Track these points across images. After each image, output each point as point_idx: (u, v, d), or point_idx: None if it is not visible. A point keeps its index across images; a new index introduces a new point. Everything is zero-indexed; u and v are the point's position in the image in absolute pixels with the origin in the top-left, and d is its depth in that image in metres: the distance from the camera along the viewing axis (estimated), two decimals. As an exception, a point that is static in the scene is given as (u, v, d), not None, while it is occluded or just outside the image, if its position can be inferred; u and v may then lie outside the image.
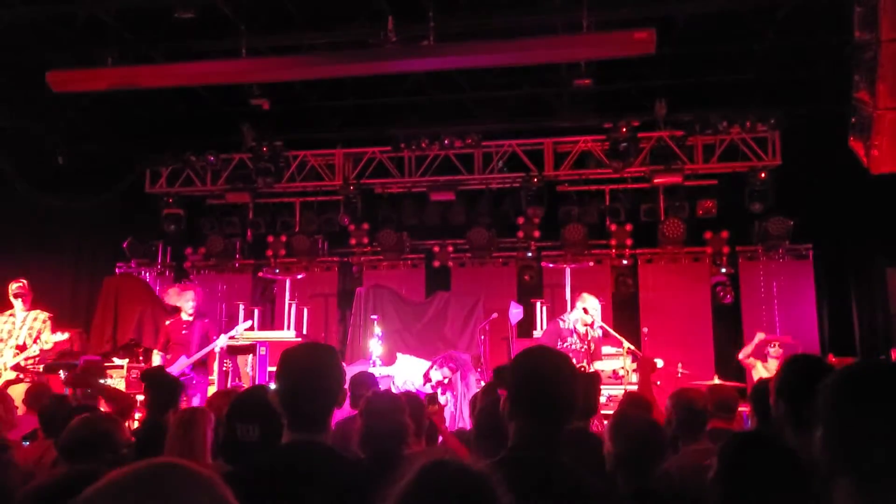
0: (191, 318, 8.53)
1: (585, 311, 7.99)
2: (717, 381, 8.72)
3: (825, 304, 11.21)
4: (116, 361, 9.60)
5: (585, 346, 7.92)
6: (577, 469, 2.17)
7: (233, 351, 9.43)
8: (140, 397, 6.26)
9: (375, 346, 9.79)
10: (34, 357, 7.82)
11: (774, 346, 9.51)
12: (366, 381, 5.56)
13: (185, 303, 8.60)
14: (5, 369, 7.52)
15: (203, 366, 8.48)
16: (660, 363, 8.43)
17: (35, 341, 7.77)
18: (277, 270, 12.36)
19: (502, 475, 1.49)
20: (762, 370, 9.01)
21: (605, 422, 7.41)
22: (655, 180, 11.26)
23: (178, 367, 8.02)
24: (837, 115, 8.56)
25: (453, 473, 1.43)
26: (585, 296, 8.14)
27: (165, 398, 4.96)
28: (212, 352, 8.68)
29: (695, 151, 11.48)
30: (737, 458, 2.38)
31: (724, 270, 11.41)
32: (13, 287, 7.90)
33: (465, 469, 1.44)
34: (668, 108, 10.61)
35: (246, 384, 9.00)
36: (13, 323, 7.84)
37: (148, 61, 9.22)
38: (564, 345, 7.83)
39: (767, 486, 2.24)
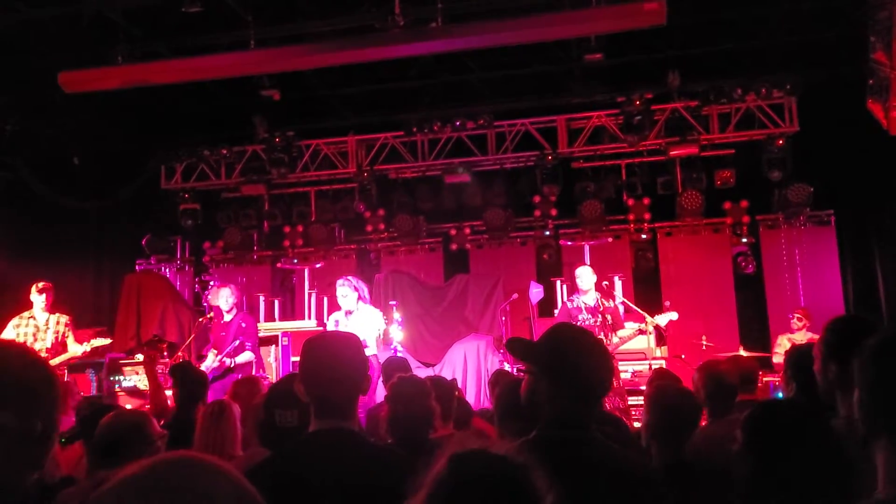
0: (231, 318, 8.11)
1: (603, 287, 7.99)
2: (742, 352, 8.69)
3: (849, 270, 11.07)
4: (141, 358, 9.66)
5: (600, 319, 7.87)
6: (613, 446, 2.15)
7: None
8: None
9: (395, 332, 9.81)
10: (69, 359, 7.77)
11: (795, 317, 9.44)
12: (397, 365, 5.54)
13: (222, 300, 8.15)
14: None
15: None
16: (674, 316, 8.32)
17: (63, 344, 7.72)
18: (296, 260, 12.38)
19: (538, 454, 1.47)
20: (787, 343, 8.96)
21: (627, 398, 7.43)
22: (671, 152, 11.13)
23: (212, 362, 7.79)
24: (854, 78, 8.45)
25: (484, 463, 1.39)
26: (577, 271, 8.14)
27: (193, 392, 4.99)
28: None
29: (710, 121, 11.32)
30: (765, 426, 2.31)
31: (744, 240, 11.29)
32: (39, 284, 7.77)
33: (496, 458, 1.40)
34: (681, 79, 10.47)
35: (270, 375, 9.03)
36: (35, 326, 7.67)
37: (157, 57, 9.21)
38: (577, 324, 7.80)
39: (799, 453, 2.20)
